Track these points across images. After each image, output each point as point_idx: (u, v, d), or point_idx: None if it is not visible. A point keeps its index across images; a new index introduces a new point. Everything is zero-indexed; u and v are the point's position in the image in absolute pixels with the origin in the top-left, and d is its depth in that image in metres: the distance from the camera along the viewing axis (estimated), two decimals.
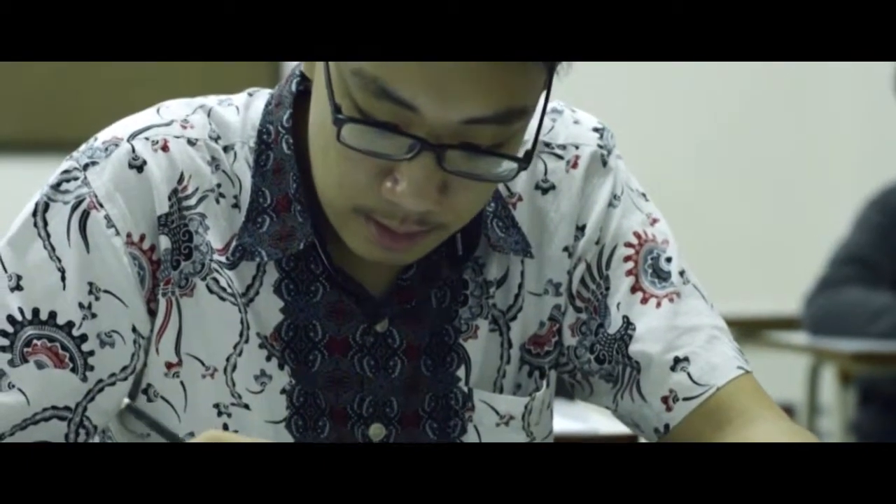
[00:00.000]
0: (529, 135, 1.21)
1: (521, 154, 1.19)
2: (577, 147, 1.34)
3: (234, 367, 1.27)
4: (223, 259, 1.26)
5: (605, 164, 1.35)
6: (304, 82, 1.27)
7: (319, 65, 1.19)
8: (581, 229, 1.33)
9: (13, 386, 1.23)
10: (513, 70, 1.14)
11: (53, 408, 1.24)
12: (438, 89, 1.13)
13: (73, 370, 1.24)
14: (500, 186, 1.30)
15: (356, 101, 1.15)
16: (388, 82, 1.13)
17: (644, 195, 1.37)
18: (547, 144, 1.34)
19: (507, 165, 1.19)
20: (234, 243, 1.25)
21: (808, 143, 4.89)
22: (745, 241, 4.75)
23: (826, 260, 3.27)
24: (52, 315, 1.23)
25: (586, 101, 1.44)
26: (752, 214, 4.85)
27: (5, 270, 1.24)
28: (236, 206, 1.26)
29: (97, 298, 1.23)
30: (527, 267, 1.32)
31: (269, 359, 1.27)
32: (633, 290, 1.32)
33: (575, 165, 1.34)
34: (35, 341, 1.23)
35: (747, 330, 3.39)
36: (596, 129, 1.36)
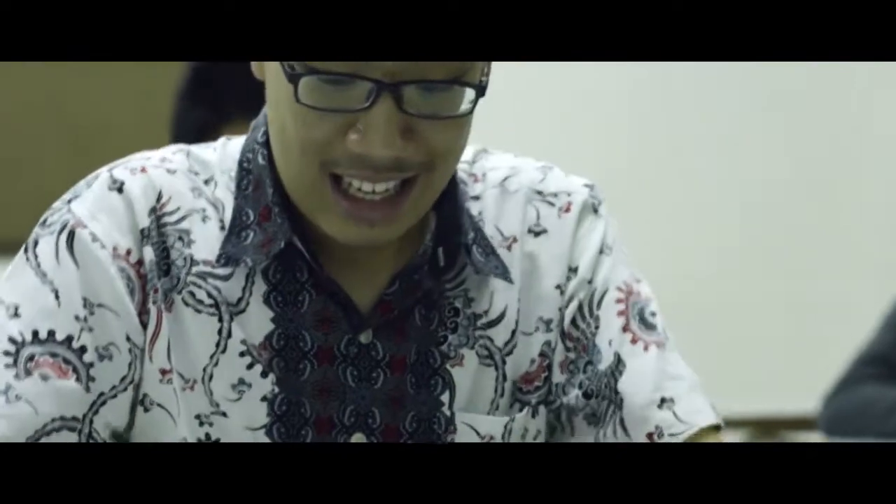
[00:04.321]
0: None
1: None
2: (568, 194, 1.40)
3: (211, 377, 1.30)
4: (212, 270, 1.30)
5: (596, 211, 1.40)
6: None
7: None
8: (574, 270, 1.38)
9: (20, 397, 1.26)
10: None
11: (62, 418, 1.26)
12: None
13: (77, 380, 1.27)
14: (494, 230, 1.36)
15: (307, 61, 1.19)
16: None
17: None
18: (539, 193, 1.39)
19: (467, 100, 1.22)
20: (219, 253, 1.30)
21: (832, 242, 4.86)
22: (766, 340, 4.71)
23: (848, 360, 3.21)
24: (51, 333, 1.27)
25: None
26: (771, 312, 4.80)
27: (3, 302, 1.29)
28: (223, 228, 1.31)
29: (92, 313, 1.27)
30: (521, 306, 1.36)
31: (250, 367, 1.30)
32: (624, 330, 1.36)
33: (567, 210, 1.39)
34: (38, 357, 1.26)
35: (764, 429, 3.34)
36: (587, 185, 1.41)
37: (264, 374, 1.30)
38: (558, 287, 1.37)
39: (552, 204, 1.39)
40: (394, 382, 1.32)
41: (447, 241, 1.32)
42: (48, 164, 4.50)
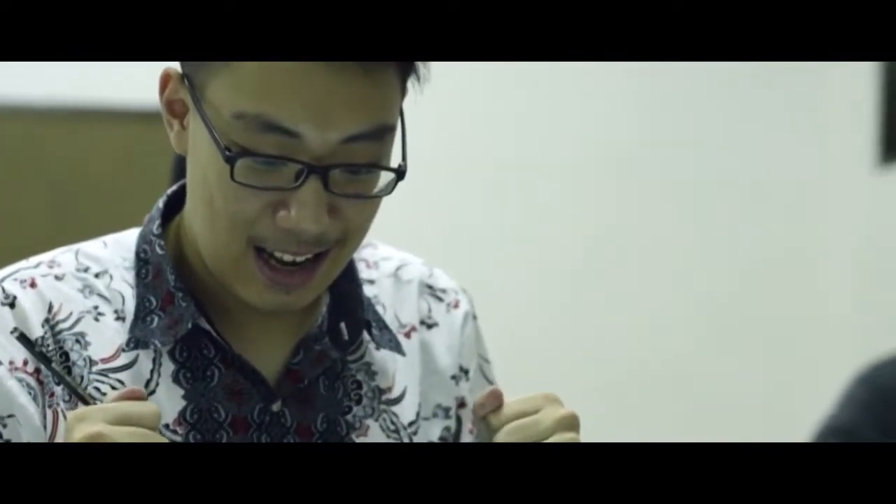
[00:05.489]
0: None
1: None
2: (456, 293, 1.52)
3: None
4: (112, 365, 1.34)
5: (475, 318, 1.53)
6: (170, 199, 1.40)
7: (194, 126, 1.30)
8: (465, 371, 1.49)
9: None
10: (378, 89, 1.26)
11: None
12: (318, 113, 1.24)
13: None
14: (393, 317, 1.45)
15: (239, 142, 1.25)
16: (272, 116, 1.24)
17: None
18: (430, 287, 1.50)
19: (385, 181, 1.30)
20: (127, 338, 1.34)
21: (799, 330, 4.96)
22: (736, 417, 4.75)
23: (810, 436, 3.23)
24: None
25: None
26: (741, 383, 4.93)
27: None
28: (119, 318, 1.36)
29: (4, 426, 1.31)
30: (422, 390, 1.45)
31: None
32: None
33: (456, 306, 1.51)
34: None
35: None
36: (463, 288, 1.54)
37: None
38: (454, 378, 1.47)
39: (441, 299, 1.50)
40: None
41: (348, 316, 1.40)
42: (27, 219, 4.50)
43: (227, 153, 1.25)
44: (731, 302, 5.01)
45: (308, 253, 1.30)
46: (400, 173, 1.30)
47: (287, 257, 1.30)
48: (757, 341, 5.02)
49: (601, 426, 4.48)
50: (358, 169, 1.28)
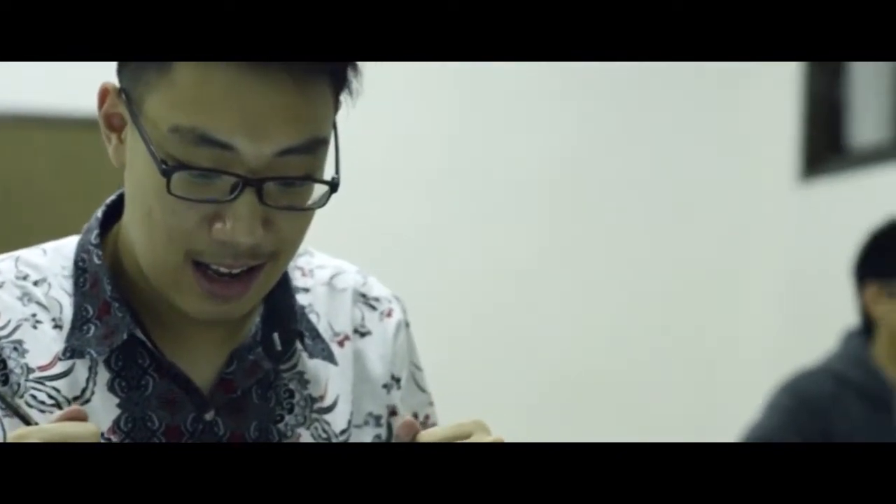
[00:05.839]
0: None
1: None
2: (389, 301, 1.53)
3: None
4: (49, 373, 1.35)
5: (408, 326, 1.54)
6: (108, 208, 1.41)
7: (132, 140, 1.32)
8: (397, 380, 1.51)
9: None
10: (312, 103, 1.29)
11: None
12: (252, 127, 1.26)
13: None
14: (327, 325, 1.47)
15: (176, 156, 1.28)
16: (206, 130, 1.26)
17: None
18: (363, 295, 1.52)
19: (319, 193, 1.33)
20: (64, 347, 1.36)
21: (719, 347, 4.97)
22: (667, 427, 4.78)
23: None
24: None
25: None
26: (669, 398, 4.94)
27: None
28: (57, 326, 1.37)
29: None
30: (354, 399, 1.47)
31: None
32: None
33: (389, 315, 1.52)
34: None
35: None
36: (396, 297, 1.55)
37: None
38: (385, 386, 1.50)
39: (374, 308, 1.52)
40: None
41: (281, 326, 1.42)
42: None
43: (164, 166, 1.27)
44: (653, 314, 5.02)
45: (244, 265, 1.32)
46: (333, 185, 1.32)
47: (223, 269, 1.32)
48: (681, 353, 5.03)
49: (531, 432, 4.52)
50: (292, 182, 1.30)
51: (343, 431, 1.45)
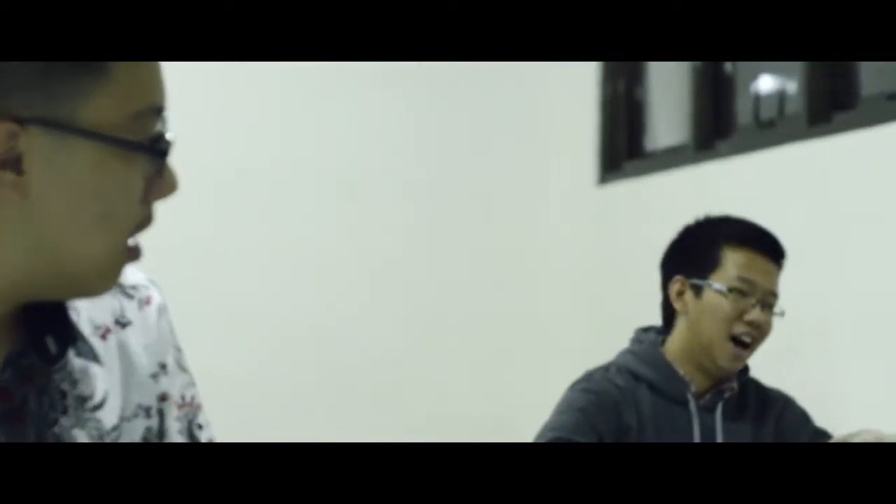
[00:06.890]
0: None
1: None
2: (147, 288, 1.51)
3: None
4: None
5: (167, 312, 1.52)
6: None
7: (60, 162, 1.28)
8: (164, 367, 1.49)
9: None
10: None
11: None
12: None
13: None
14: (87, 320, 1.43)
15: (140, 139, 1.31)
16: (157, 101, 1.32)
17: None
18: (119, 285, 1.47)
19: None
20: None
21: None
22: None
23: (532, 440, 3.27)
24: None
25: None
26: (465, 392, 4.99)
27: None
28: None
29: None
30: (122, 392, 1.44)
31: None
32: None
33: (148, 302, 1.50)
34: None
35: None
36: (152, 281, 1.53)
37: None
38: (153, 376, 1.48)
39: (131, 296, 1.49)
40: None
41: (53, 329, 1.38)
42: None
43: (156, 145, 1.31)
44: (450, 310, 5.07)
45: None
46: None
47: None
48: (477, 348, 5.09)
49: (319, 424, 4.50)
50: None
51: (114, 428, 1.42)
